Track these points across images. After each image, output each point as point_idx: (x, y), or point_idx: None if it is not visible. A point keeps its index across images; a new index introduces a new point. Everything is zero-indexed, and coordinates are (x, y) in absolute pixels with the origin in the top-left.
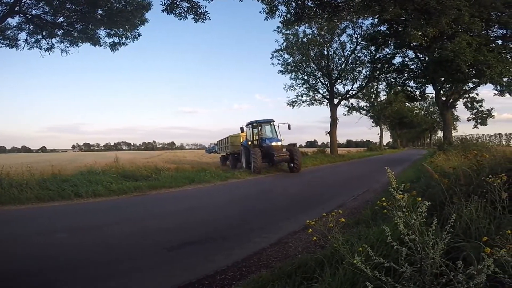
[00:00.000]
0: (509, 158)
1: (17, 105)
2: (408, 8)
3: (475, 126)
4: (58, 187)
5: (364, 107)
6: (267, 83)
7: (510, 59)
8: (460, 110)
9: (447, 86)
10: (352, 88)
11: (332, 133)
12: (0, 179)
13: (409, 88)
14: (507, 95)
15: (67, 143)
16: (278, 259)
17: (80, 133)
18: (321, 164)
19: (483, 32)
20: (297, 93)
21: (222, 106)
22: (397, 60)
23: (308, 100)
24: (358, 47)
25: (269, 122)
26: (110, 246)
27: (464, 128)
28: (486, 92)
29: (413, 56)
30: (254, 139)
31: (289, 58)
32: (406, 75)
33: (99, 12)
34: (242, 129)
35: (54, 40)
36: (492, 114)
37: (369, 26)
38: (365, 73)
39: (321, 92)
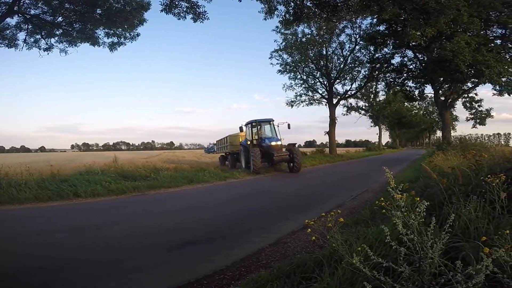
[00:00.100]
0: (508, 158)
1: (16, 105)
2: (406, 8)
3: (474, 126)
4: (57, 187)
5: (363, 107)
6: (266, 83)
7: (509, 59)
8: (459, 110)
9: (446, 86)
10: (351, 88)
11: (331, 133)
12: None
13: (408, 88)
14: (506, 95)
15: (66, 143)
16: (277, 259)
17: (79, 133)
18: (320, 164)
19: (482, 32)
20: (296, 93)
21: (221, 106)
22: (396, 60)
23: (307, 100)
24: (357, 47)
25: (269, 121)
26: (109, 246)
27: (463, 128)
28: (485, 92)
29: (412, 56)
30: (254, 138)
31: (288, 58)
32: (405, 75)
33: (98, 12)
34: (241, 129)
35: (53, 40)
36: (491, 114)
37: (368, 26)
38: (364, 73)
39: (320, 92)
